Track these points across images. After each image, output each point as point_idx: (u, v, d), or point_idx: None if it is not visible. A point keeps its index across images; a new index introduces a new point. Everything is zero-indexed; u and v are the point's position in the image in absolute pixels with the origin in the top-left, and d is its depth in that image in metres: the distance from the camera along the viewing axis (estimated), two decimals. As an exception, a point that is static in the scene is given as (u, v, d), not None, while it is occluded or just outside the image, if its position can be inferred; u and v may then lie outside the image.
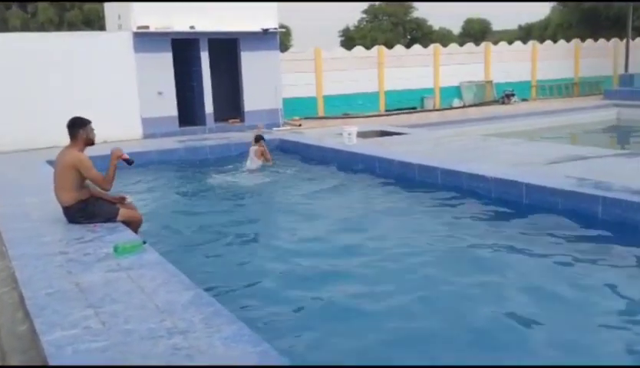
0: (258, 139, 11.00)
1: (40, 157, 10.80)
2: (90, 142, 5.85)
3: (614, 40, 23.09)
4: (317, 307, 4.80)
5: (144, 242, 5.17)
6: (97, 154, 6.55)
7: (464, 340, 4.13)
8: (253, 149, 10.82)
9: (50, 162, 10.19)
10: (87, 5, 31.76)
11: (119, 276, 4.43)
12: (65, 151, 5.85)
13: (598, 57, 22.77)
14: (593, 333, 4.17)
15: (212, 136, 13.73)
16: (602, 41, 23.21)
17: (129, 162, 5.90)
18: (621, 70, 21.53)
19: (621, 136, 15.75)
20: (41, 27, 29.37)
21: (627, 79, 20.50)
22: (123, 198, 6.14)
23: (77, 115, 5.97)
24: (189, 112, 14.76)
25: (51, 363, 3.13)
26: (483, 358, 3.85)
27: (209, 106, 14.62)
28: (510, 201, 7.27)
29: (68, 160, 5.75)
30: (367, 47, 20.52)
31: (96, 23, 31.18)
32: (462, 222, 6.91)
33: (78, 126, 5.79)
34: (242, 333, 3.43)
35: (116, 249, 4.94)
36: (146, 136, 13.73)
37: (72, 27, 30.08)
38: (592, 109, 17.89)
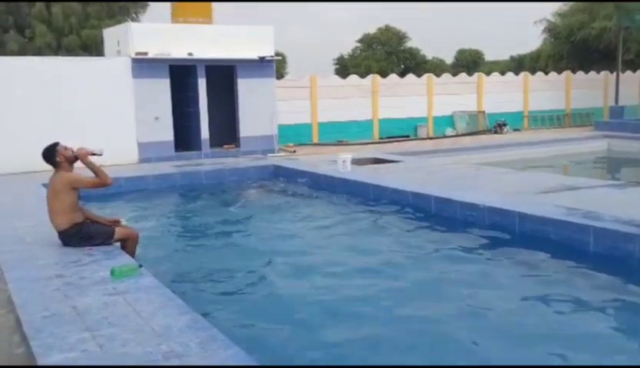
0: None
1: (36, 180, 10.82)
2: (74, 159, 5.94)
3: (604, 72, 23.50)
4: (313, 326, 4.85)
5: (140, 266, 5.21)
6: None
7: None
8: None
9: (45, 186, 10.26)
10: (85, 31, 32.08)
11: (116, 300, 4.47)
12: (54, 176, 5.94)
13: (589, 88, 23.14)
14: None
15: (207, 162, 13.81)
16: (592, 73, 23.62)
17: (97, 153, 5.99)
18: (611, 102, 21.86)
19: (612, 166, 15.96)
20: (39, 52, 29.53)
21: (617, 111, 20.81)
22: (118, 221, 6.19)
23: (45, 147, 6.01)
24: (185, 137, 14.86)
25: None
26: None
27: (205, 132, 14.73)
28: (503, 229, 7.35)
29: (58, 184, 5.84)
30: (362, 76, 20.79)
31: (93, 48, 31.46)
32: (449, 248, 7.00)
33: (52, 155, 5.88)
34: (240, 356, 3.47)
35: (113, 272, 4.98)
36: (142, 161, 13.79)
37: (70, 52, 30.29)
38: (583, 140, 18.13)
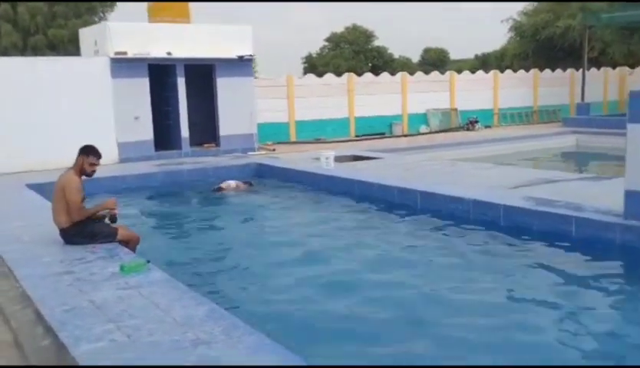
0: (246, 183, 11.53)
1: (19, 181, 10.77)
2: (85, 173, 5.93)
3: (570, 70, 24.24)
4: (323, 311, 5.06)
5: (148, 261, 5.32)
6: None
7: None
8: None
9: (30, 186, 10.22)
10: (52, 30, 31.60)
11: (131, 293, 4.58)
12: (64, 173, 5.98)
13: (556, 86, 23.86)
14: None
15: (188, 161, 13.86)
16: (558, 71, 24.34)
17: (113, 219, 6.00)
18: (577, 99, 22.56)
19: (581, 161, 16.54)
20: (5, 52, 28.98)
21: (583, 107, 21.50)
22: (112, 204, 6.09)
23: (91, 144, 6.06)
24: (165, 136, 14.86)
25: (87, 373, 3.27)
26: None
27: (184, 131, 14.77)
28: (488, 221, 7.66)
29: (62, 182, 5.89)
30: (334, 75, 21.04)
31: (61, 48, 30.99)
32: (435, 239, 7.30)
33: (81, 152, 5.93)
34: (264, 342, 3.65)
35: (122, 268, 5.09)
36: (122, 161, 13.76)
37: (36, 51, 29.79)
38: (552, 135, 18.72)
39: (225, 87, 15.16)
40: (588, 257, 6.26)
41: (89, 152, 5.94)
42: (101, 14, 35.23)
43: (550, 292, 5.47)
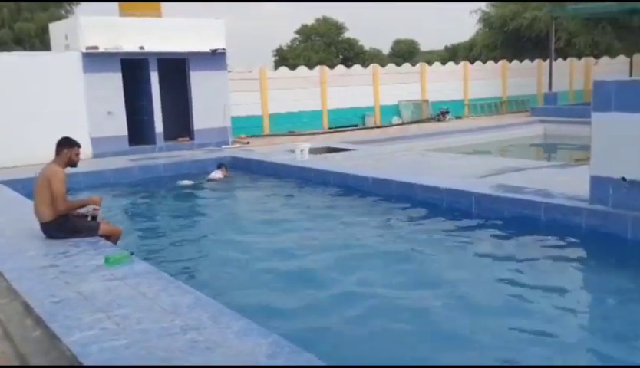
0: (221, 165, 11.67)
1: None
2: (73, 164, 6.10)
3: (537, 60, 24.76)
4: (304, 297, 5.22)
5: (132, 253, 5.41)
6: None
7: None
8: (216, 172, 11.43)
9: (3, 183, 10.15)
10: (18, 24, 30.98)
11: (117, 284, 4.68)
12: (46, 166, 6.04)
13: (524, 76, 24.36)
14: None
15: (162, 155, 13.85)
16: (526, 61, 24.85)
17: (94, 217, 6.15)
18: (545, 89, 23.08)
19: (549, 149, 16.99)
20: (-31, 46, 28.36)
21: (551, 97, 22.03)
22: (97, 201, 6.22)
23: (69, 136, 6.23)
24: (139, 131, 14.81)
25: (82, 361, 3.37)
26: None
27: (159, 125, 14.74)
28: (462, 209, 7.90)
29: (47, 174, 5.94)
30: (304, 67, 21.17)
31: (27, 42, 30.43)
32: (409, 228, 7.51)
33: (64, 146, 6.00)
34: (251, 327, 3.79)
35: (107, 260, 5.17)
36: (95, 156, 13.68)
37: (2, 46, 29.20)
38: (521, 125, 19.16)
39: (198, 80, 15.16)
40: (556, 241, 6.52)
41: (73, 143, 6.10)
42: (68, 7, 34.66)
43: (518, 275, 5.71)
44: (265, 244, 7.12)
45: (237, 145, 15.58)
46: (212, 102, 15.36)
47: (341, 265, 6.16)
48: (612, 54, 26.62)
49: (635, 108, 6.20)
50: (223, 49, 15.38)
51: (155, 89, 14.55)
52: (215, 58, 15.28)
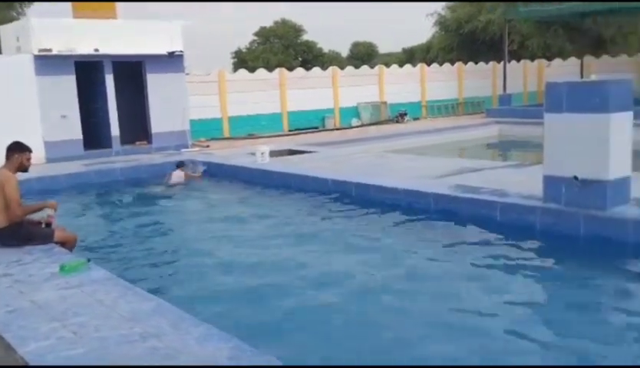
0: (180, 165, 11.60)
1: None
2: (24, 169, 6.00)
3: (492, 63, 25.31)
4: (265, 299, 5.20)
5: (88, 260, 5.30)
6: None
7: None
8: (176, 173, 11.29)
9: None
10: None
11: (73, 292, 4.58)
12: (-1, 172, 5.87)
13: (479, 78, 24.87)
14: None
15: (119, 159, 13.60)
16: (481, 63, 25.37)
17: (48, 224, 6.09)
18: (499, 91, 23.62)
19: (504, 150, 17.37)
20: None
21: (505, 98, 22.53)
22: (53, 206, 6.11)
23: (19, 141, 6.12)
24: (94, 135, 14.52)
25: (37, 371, 3.29)
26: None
27: (115, 129, 14.48)
28: (418, 209, 8.00)
29: (1, 179, 5.77)
30: (263, 69, 21.13)
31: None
32: (368, 228, 7.57)
33: (14, 150, 5.86)
34: (212, 332, 3.76)
35: (62, 268, 5.05)
36: (49, 161, 13.35)
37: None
38: (477, 126, 19.53)
39: (155, 83, 14.96)
40: (512, 240, 6.67)
41: (24, 148, 6.00)
42: (20, 9, 33.69)
43: (475, 274, 5.82)
44: (225, 248, 7.07)
45: (197, 148, 15.43)
46: (171, 105, 15.17)
47: (301, 267, 6.16)
48: (564, 56, 27.42)
49: (585, 109, 6.41)
50: (181, 51, 15.21)
51: (111, 92, 14.28)
52: (172, 61, 15.10)
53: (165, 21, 15.40)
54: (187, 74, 15.99)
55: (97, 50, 13.88)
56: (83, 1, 14.49)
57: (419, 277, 5.80)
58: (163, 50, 14.88)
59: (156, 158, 13.59)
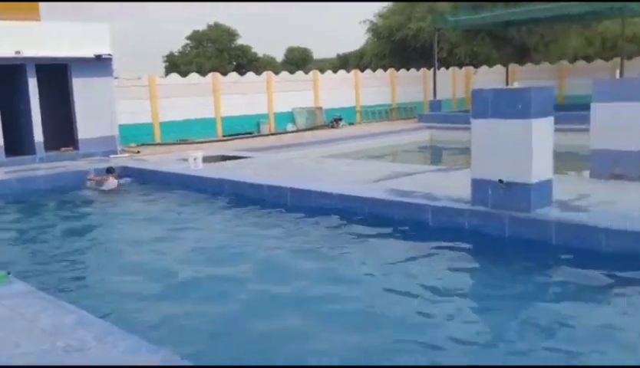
0: (110, 171, 11.31)
1: None
2: None
3: (423, 69, 25.95)
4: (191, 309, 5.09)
5: (9, 273, 5.03)
6: None
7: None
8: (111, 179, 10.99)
9: None
10: None
11: (-9, 307, 4.33)
12: None
13: (411, 84, 25.45)
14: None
15: (43, 166, 13.04)
16: (413, 70, 25.97)
17: None
18: (430, 97, 24.23)
19: (435, 154, 17.84)
20: None
21: (436, 104, 23.14)
22: None
23: None
24: (16, 141, 13.88)
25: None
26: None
27: (38, 135, 13.89)
28: (353, 213, 8.07)
29: None
30: (196, 73, 20.85)
31: None
32: (303, 233, 7.59)
33: None
34: (140, 344, 3.64)
35: (-21, 282, 4.77)
36: (-33, 168, 12.65)
37: None
38: (409, 131, 19.97)
39: (82, 87, 14.46)
40: (442, 241, 6.82)
41: None
42: None
43: (407, 274, 5.93)
44: (155, 257, 6.89)
45: (126, 154, 15.01)
46: (98, 110, 14.70)
47: (235, 274, 6.10)
48: (490, 63, 28.44)
49: (509, 114, 6.65)
50: (109, 55, 14.77)
51: (34, 96, 13.70)
52: (100, 64, 14.64)
53: (92, 22, 14.91)
54: (116, 78, 15.53)
55: (18, 52, 13.28)
56: (2, 1, 13.84)
57: (351, 280, 5.83)
58: (90, 53, 14.40)
59: (82, 164, 13.11)
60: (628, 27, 22.73)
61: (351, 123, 22.54)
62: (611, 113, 8.39)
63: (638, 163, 8.33)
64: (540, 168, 6.70)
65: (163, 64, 45.70)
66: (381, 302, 5.26)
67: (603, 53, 28.27)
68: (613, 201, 7.08)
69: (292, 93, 21.34)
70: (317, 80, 22.37)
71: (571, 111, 15.21)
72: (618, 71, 15.41)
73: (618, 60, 19.97)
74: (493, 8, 22.51)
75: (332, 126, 21.50)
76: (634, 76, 16.61)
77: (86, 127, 14.64)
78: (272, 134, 19.86)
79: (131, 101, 17.13)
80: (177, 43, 55.14)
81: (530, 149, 6.55)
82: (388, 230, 7.39)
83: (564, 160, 11.84)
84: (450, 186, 8.41)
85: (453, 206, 7.27)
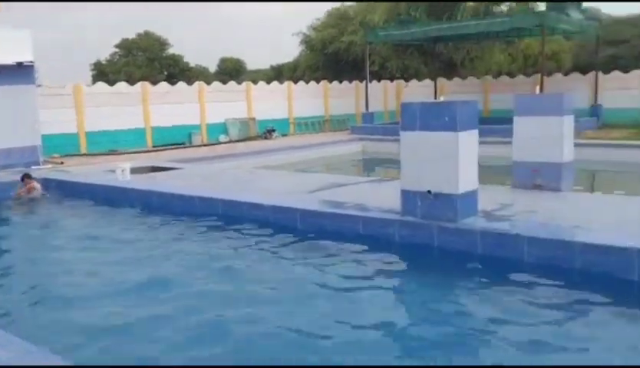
0: (26, 177, 10.69)
1: None
2: None
3: (355, 82, 26.34)
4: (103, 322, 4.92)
5: None
6: None
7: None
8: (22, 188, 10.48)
9: None
10: None
11: None
12: None
13: (344, 96, 25.78)
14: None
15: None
16: (345, 82, 26.32)
17: None
18: (363, 109, 24.60)
19: (367, 165, 18.10)
20: None
21: (368, 116, 23.52)
22: None
23: None
24: None
25: None
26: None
27: (-49, 145, 13.13)
28: (286, 225, 8.05)
29: None
30: (125, 83, 20.34)
31: None
32: (234, 246, 7.49)
33: None
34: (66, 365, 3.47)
35: None
36: None
37: None
38: (342, 143, 20.18)
39: (1, 95, 13.78)
40: (373, 251, 6.90)
41: None
42: None
43: (336, 284, 5.94)
44: (75, 273, 6.61)
45: (49, 165, 14.40)
46: (18, 119, 14.07)
47: (158, 289, 5.92)
48: (420, 77, 29.22)
49: (436, 127, 6.83)
50: (30, 62, 14.16)
51: (-53, 104, 12.95)
52: (21, 72, 14.01)
53: (12, 28, 14.27)
54: (39, 86, 14.91)
55: None
56: None
57: (282, 291, 5.80)
58: (10, 60, 13.76)
59: (1, 176, 12.46)
60: (547, 45, 23.97)
61: (284, 135, 22.56)
62: (531, 126, 8.77)
63: (557, 174, 8.75)
64: (466, 179, 6.91)
65: (91, 73, 44.32)
66: (302, 311, 5.26)
67: (525, 69, 29.67)
68: (534, 210, 7.38)
69: (225, 104, 21.16)
70: (250, 91, 22.28)
71: (495, 124, 15.81)
72: (538, 87, 16.14)
73: (538, 76, 20.95)
74: (419, 24, 23.16)
75: (265, 137, 21.45)
76: (553, 92, 17.49)
77: (5, 137, 13.95)
78: (205, 145, 19.59)
79: (55, 110, 16.50)
80: (105, 51, 53.57)
81: (457, 161, 6.74)
82: (320, 241, 7.40)
83: (488, 172, 12.27)
84: (382, 197, 8.53)
85: (384, 217, 7.38)
